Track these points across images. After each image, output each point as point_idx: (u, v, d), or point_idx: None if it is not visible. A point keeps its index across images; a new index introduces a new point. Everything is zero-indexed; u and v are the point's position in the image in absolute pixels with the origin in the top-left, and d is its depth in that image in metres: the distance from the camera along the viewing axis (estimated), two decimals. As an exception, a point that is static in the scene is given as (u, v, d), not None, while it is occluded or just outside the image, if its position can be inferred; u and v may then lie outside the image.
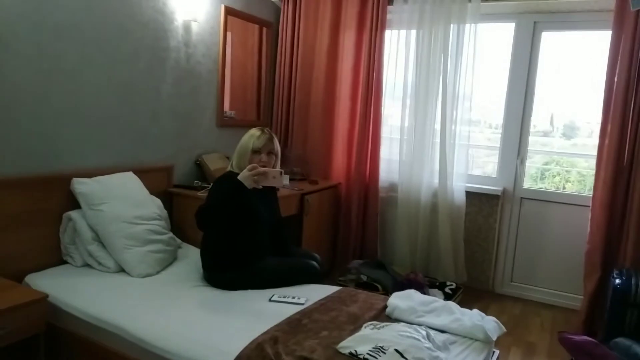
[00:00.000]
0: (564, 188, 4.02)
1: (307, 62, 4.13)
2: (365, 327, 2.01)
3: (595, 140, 3.36)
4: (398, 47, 3.88)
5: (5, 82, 2.35)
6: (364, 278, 3.53)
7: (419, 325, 2.07)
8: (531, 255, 3.81)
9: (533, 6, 3.52)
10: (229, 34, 3.71)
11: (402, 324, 2.06)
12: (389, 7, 3.83)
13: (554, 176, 4.13)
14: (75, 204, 2.63)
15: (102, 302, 2.23)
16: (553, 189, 3.91)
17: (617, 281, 2.81)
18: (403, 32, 3.84)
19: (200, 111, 3.58)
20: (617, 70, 3.10)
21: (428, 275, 3.80)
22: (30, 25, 2.43)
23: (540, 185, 3.99)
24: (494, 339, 2.08)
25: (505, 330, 2.20)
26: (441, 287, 3.56)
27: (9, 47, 2.35)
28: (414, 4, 3.71)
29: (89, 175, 2.71)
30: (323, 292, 2.44)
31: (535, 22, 3.62)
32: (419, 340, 1.85)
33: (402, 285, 3.30)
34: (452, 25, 3.61)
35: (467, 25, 3.57)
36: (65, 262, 2.64)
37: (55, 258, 2.62)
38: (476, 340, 2.05)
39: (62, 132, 2.65)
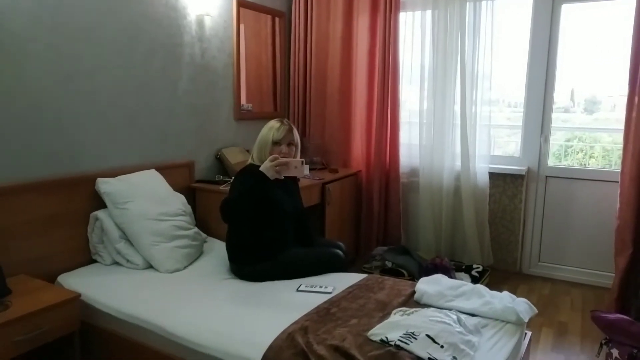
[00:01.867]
0: (587, 164, 3.93)
1: (322, 50, 4.10)
2: (394, 314, 2.00)
3: (617, 114, 3.27)
4: (413, 29, 3.82)
5: (25, 86, 2.39)
6: (389, 264, 3.52)
7: (449, 309, 2.05)
8: (559, 234, 3.75)
9: (551, -21, 3.43)
10: (242, 26, 3.70)
11: (432, 309, 2.04)
12: (402, -11, 3.77)
13: (576, 152, 4.05)
14: (101, 204, 2.67)
15: (132, 299, 2.27)
16: (578, 166, 3.83)
17: (650, 257, 2.75)
18: (418, 13, 3.78)
19: (218, 106, 3.59)
20: (642, 40, 3.00)
21: (454, 259, 3.77)
22: (47, 30, 2.45)
23: (563, 163, 3.91)
24: (526, 320, 2.06)
25: (536, 311, 2.17)
26: (467, 270, 3.53)
27: (28, 53, 2.38)
28: (428, -16, 3.64)
29: (113, 174, 2.74)
30: (350, 280, 2.44)
31: (554, -5, 3.53)
32: (450, 324, 1.84)
33: (427, 270, 3.29)
34: (468, 4, 3.53)
35: (484, 3, 3.50)
36: (94, 261, 2.69)
37: (85, 257, 2.67)
38: (508, 322, 2.03)
39: (84, 133, 2.68)
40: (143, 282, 2.45)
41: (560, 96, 3.79)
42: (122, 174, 2.78)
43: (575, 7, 3.56)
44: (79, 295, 2.22)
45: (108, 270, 2.59)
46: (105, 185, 2.65)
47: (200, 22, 3.35)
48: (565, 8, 3.53)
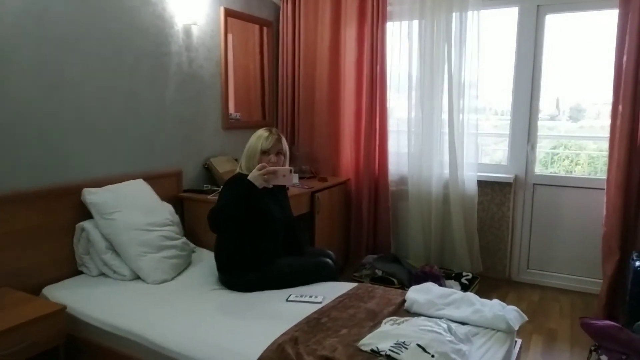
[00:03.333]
0: (571, 172, 3.97)
1: (310, 59, 4.11)
2: (385, 323, 1.99)
3: (602, 122, 3.31)
4: (400, 38, 3.85)
5: (9, 97, 2.35)
6: (379, 273, 3.51)
7: (439, 318, 2.05)
8: (547, 241, 3.77)
9: (536, -11, 3.48)
10: (229, 36, 3.70)
11: (422, 318, 2.04)
12: (389, -1, 3.80)
13: (562, 160, 4.09)
14: (87, 214, 2.63)
15: (119, 310, 2.23)
16: (565, 174, 3.87)
17: (638, 263, 2.77)
18: (405, 23, 3.81)
19: (206, 115, 3.57)
20: (625, 49, 3.05)
21: (443, 267, 3.77)
22: (32, 40, 2.42)
23: (550, 170, 3.95)
24: (516, 328, 2.06)
25: (526, 319, 2.17)
26: (457, 277, 3.53)
27: (12, 63, 2.35)
28: (415, -6, 3.67)
29: (99, 184, 2.71)
30: (340, 290, 2.43)
31: (538, 6, 3.57)
32: (440, 333, 1.83)
33: (417, 278, 3.29)
34: (454, 14, 3.57)
35: (470, 13, 3.54)
36: (80, 273, 2.64)
37: (71, 269, 2.62)
38: (498, 330, 2.03)
39: (70, 143, 2.65)
40: (130, 294, 2.41)
41: (545, 104, 3.82)
42: (109, 184, 2.74)
43: (559, 17, 3.61)
44: (65, 307, 2.17)
45: (94, 282, 2.55)
46: (91, 196, 2.61)
47: (187, 32, 3.34)
48: (549, 18, 3.59)
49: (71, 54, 2.61)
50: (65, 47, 2.58)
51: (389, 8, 3.81)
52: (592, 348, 2.45)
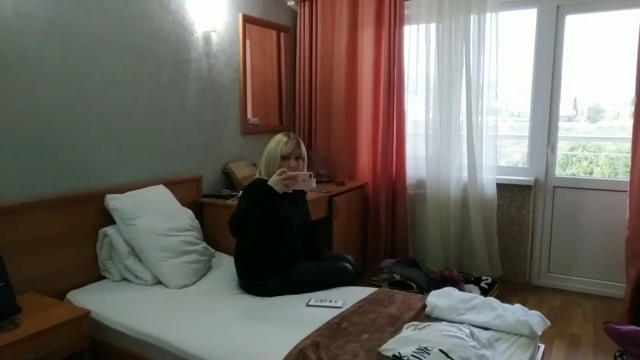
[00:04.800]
0: (591, 173, 3.91)
1: (327, 64, 4.12)
2: (406, 328, 1.99)
3: (621, 122, 3.25)
4: (418, 41, 3.83)
5: (36, 106, 2.41)
6: (397, 277, 3.50)
7: (461, 323, 2.03)
8: (568, 245, 3.72)
9: (555, -10, 3.45)
10: (247, 42, 3.73)
11: (444, 323, 2.02)
12: (407, 3, 3.79)
13: (580, 161, 4.03)
14: (110, 220, 2.68)
15: (142, 315, 2.26)
16: (585, 176, 3.81)
17: (662, 267, 2.72)
18: (422, 26, 3.79)
19: (225, 120, 3.60)
20: (648, 49, 3.00)
21: (462, 271, 3.74)
22: (58, 50, 2.48)
23: (568, 172, 3.89)
24: (540, 333, 2.03)
25: (549, 324, 2.14)
26: (476, 282, 3.50)
27: (41, 73, 2.41)
28: (432, -2, 3.66)
29: (122, 190, 2.75)
30: (359, 294, 2.43)
31: (558, 6, 3.53)
32: (463, 339, 1.82)
33: (436, 282, 3.27)
34: (472, 16, 3.54)
35: (488, 15, 3.51)
36: (103, 278, 2.69)
37: (94, 274, 2.67)
38: (521, 335, 2.01)
39: (93, 150, 2.69)
40: (152, 298, 2.44)
41: (563, 105, 3.76)
42: (131, 190, 2.79)
43: (579, 18, 3.57)
44: (89, 312, 2.20)
45: (117, 287, 2.59)
46: (114, 202, 2.65)
47: (207, 38, 3.38)
48: (569, 18, 3.55)
49: (95, 63, 2.66)
50: (89, 56, 2.63)
51: (406, 12, 3.80)
52: (617, 354, 2.41)
